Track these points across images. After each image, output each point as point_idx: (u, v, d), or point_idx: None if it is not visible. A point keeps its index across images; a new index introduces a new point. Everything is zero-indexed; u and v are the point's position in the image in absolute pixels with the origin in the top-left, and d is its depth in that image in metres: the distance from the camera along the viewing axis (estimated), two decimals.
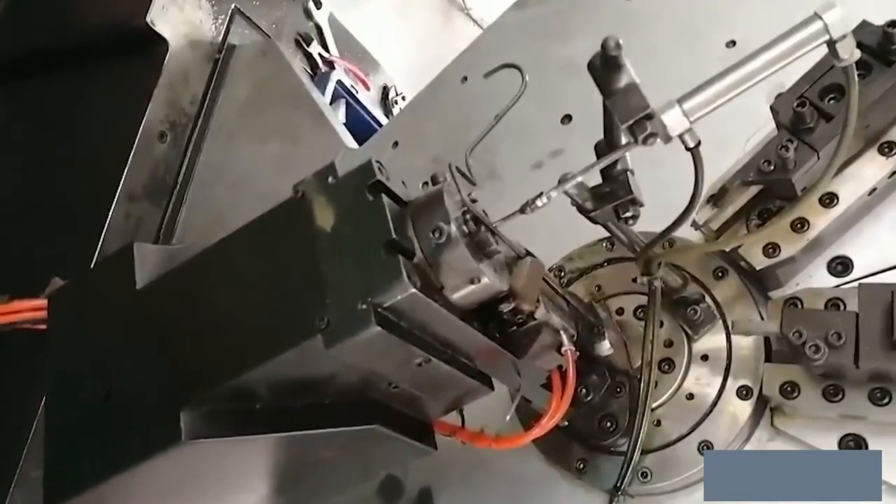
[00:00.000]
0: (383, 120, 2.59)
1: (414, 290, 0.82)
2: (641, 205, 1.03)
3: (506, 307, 0.98)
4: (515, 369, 1.05)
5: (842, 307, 1.13)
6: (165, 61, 2.12)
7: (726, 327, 1.30)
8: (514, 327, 1.02)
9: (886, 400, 1.07)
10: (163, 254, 1.00)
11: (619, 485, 1.25)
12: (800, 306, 1.16)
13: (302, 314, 0.83)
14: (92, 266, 1.06)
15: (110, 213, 1.99)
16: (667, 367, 1.31)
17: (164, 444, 0.83)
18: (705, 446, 1.22)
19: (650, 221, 1.10)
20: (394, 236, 0.84)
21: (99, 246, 1.97)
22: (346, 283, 0.83)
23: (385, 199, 0.87)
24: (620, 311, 1.37)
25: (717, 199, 1.20)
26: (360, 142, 2.44)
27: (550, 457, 1.35)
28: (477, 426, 1.14)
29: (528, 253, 1.05)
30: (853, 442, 1.13)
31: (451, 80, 1.87)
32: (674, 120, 0.88)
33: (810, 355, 1.01)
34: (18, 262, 1.94)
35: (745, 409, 1.22)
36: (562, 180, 0.96)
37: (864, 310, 1.02)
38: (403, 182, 0.96)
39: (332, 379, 0.90)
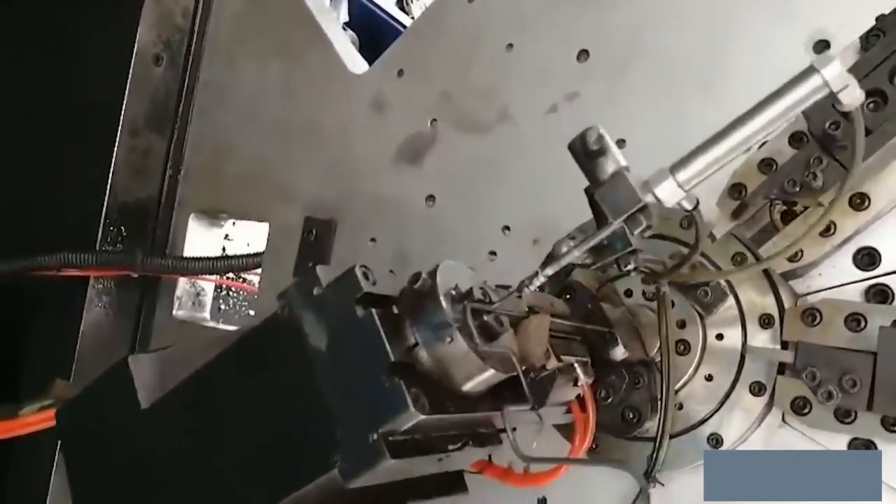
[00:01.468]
0: (389, 5, 2.41)
1: (422, 416, 0.81)
2: (641, 251, 0.98)
3: None
4: (536, 413, 1.06)
5: (862, 323, 1.10)
6: None
7: (740, 307, 1.27)
8: (528, 379, 1.02)
9: None
10: (159, 363, 0.99)
11: (650, 471, 1.29)
12: (818, 318, 1.13)
13: (314, 449, 0.83)
14: (91, 382, 1.05)
15: (115, 150, 1.94)
16: (682, 348, 1.30)
17: None
18: (715, 440, 1.25)
19: None
20: (392, 359, 0.82)
21: (108, 186, 1.95)
22: (353, 412, 0.82)
23: (376, 312, 0.84)
24: (629, 293, 1.35)
25: (736, 213, 1.12)
26: (365, 37, 2.30)
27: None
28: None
29: (531, 310, 1.01)
30: (864, 446, 1.15)
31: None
32: (668, 193, 0.83)
33: (822, 401, 1.00)
34: (28, 215, 1.94)
35: (757, 403, 1.23)
36: (556, 255, 0.90)
37: (882, 354, 0.99)
38: (392, 270, 0.91)
39: None
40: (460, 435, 0.94)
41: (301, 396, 0.85)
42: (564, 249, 0.91)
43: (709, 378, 1.29)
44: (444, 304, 0.86)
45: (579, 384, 1.08)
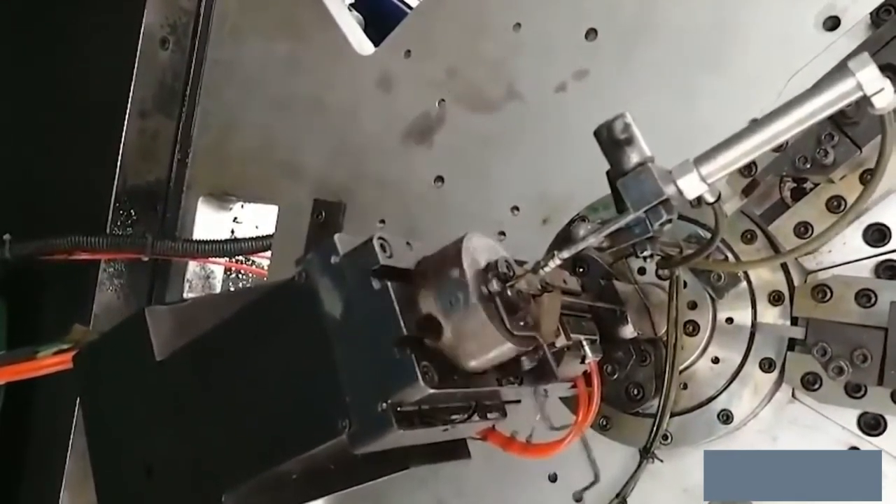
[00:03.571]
0: None
1: (431, 390, 0.82)
2: (659, 238, 0.97)
3: None
4: (542, 390, 1.07)
5: (873, 299, 1.10)
6: None
7: (750, 284, 1.27)
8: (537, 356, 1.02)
9: None
10: (174, 316, 1.00)
11: (648, 447, 1.31)
12: (828, 294, 1.13)
13: (324, 414, 0.84)
14: (109, 329, 1.06)
15: (124, 133, 1.95)
16: (691, 328, 1.31)
17: None
18: (726, 416, 1.26)
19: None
20: (405, 333, 0.82)
21: (118, 169, 1.95)
22: (364, 381, 0.83)
23: (391, 286, 0.84)
24: (642, 271, 1.35)
25: (747, 190, 1.13)
26: (371, 19, 2.29)
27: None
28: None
29: (544, 288, 1.01)
30: (873, 420, 1.15)
31: None
32: (691, 185, 0.82)
33: (833, 376, 1.00)
34: (39, 199, 1.95)
35: (767, 380, 1.23)
36: (573, 239, 0.90)
37: (893, 329, 1.00)
38: (408, 242, 0.91)
39: None
40: (466, 406, 0.94)
41: (313, 362, 0.85)
42: (582, 233, 0.91)
43: (715, 360, 1.29)
44: (468, 274, 0.86)
45: (587, 362, 1.08)
